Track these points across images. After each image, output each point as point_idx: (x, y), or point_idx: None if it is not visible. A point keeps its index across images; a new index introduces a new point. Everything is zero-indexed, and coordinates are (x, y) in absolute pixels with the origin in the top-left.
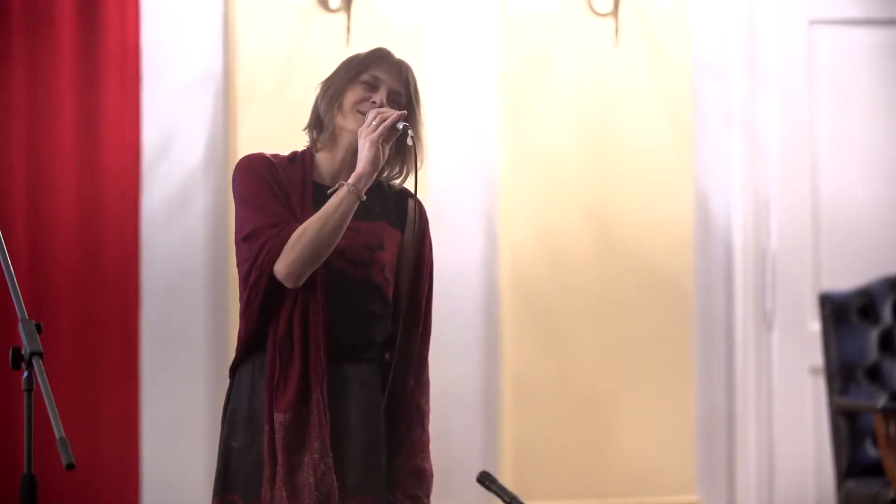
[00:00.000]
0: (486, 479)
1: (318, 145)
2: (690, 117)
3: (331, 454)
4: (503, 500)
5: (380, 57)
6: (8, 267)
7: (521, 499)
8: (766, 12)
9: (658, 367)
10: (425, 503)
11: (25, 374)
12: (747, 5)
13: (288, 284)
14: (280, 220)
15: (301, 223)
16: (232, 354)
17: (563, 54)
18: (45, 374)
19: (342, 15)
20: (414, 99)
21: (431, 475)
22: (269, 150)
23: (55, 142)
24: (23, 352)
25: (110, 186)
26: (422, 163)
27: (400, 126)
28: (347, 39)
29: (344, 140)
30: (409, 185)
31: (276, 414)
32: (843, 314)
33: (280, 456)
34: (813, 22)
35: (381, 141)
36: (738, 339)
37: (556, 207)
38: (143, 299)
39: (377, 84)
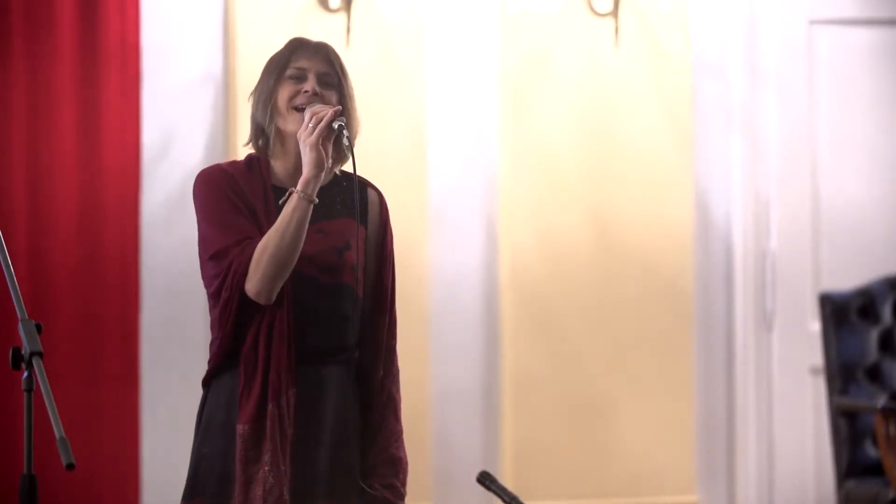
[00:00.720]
0: (486, 479)
1: (269, 153)
2: (690, 117)
3: (283, 468)
4: (503, 500)
5: (297, 46)
6: (8, 267)
7: (521, 499)
8: (766, 12)
9: (658, 366)
10: (402, 491)
11: (25, 374)
12: (747, 5)
13: (261, 302)
14: (244, 236)
15: (266, 232)
16: None
17: (563, 54)
18: (45, 374)
19: (342, 15)
20: (341, 75)
21: (406, 463)
22: None
23: (55, 142)
24: (23, 352)
25: (110, 186)
26: (354, 139)
27: (335, 126)
28: (347, 39)
29: (290, 142)
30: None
31: (238, 426)
32: (843, 314)
33: (239, 467)
34: (813, 22)
35: (320, 142)
36: (738, 339)
37: (556, 207)
38: (143, 299)
39: (303, 74)
